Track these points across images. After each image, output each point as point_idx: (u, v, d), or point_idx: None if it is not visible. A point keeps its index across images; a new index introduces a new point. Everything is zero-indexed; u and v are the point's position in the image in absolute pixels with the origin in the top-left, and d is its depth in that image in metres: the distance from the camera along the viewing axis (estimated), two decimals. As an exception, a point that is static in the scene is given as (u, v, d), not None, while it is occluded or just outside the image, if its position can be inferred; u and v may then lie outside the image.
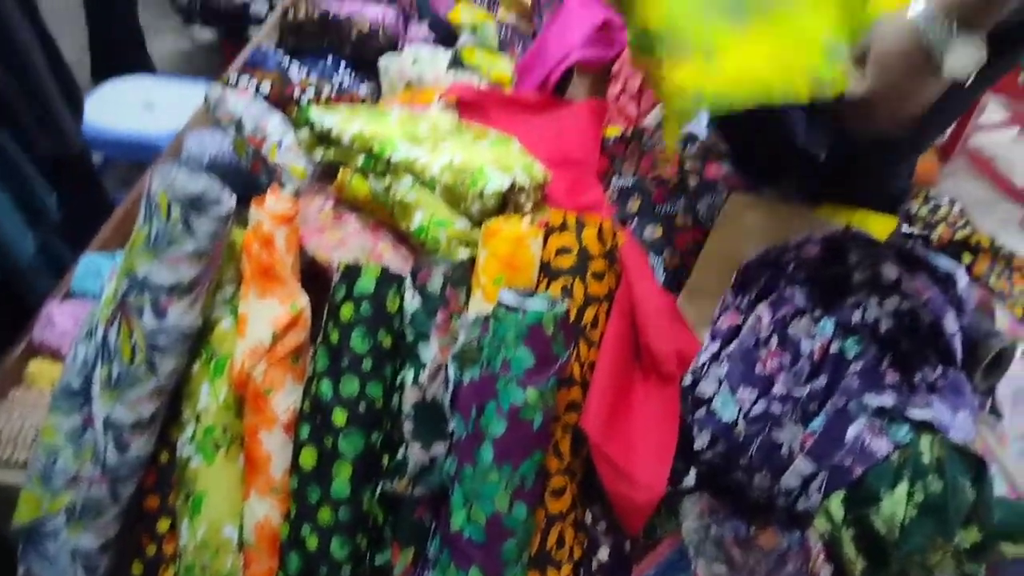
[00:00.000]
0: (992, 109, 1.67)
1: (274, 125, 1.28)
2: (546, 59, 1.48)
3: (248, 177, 1.31)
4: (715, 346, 0.93)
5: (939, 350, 0.87)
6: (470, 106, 1.42)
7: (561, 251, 0.90)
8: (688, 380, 0.90)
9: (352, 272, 0.84)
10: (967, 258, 1.35)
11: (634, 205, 1.18)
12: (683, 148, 1.31)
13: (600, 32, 1.48)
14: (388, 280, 0.84)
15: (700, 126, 1.53)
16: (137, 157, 1.51)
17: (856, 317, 0.90)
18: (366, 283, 0.83)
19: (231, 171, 1.35)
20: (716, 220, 1.13)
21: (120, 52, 2.06)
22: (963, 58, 0.71)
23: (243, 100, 1.31)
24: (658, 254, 1.09)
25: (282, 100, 1.50)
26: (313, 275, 1.02)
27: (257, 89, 1.49)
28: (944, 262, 0.92)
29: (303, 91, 1.52)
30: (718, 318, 0.98)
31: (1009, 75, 1.51)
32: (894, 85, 0.76)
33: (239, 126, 1.28)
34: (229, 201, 0.81)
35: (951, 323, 0.87)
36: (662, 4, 0.76)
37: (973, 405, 0.86)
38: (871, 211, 1.14)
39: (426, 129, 1.14)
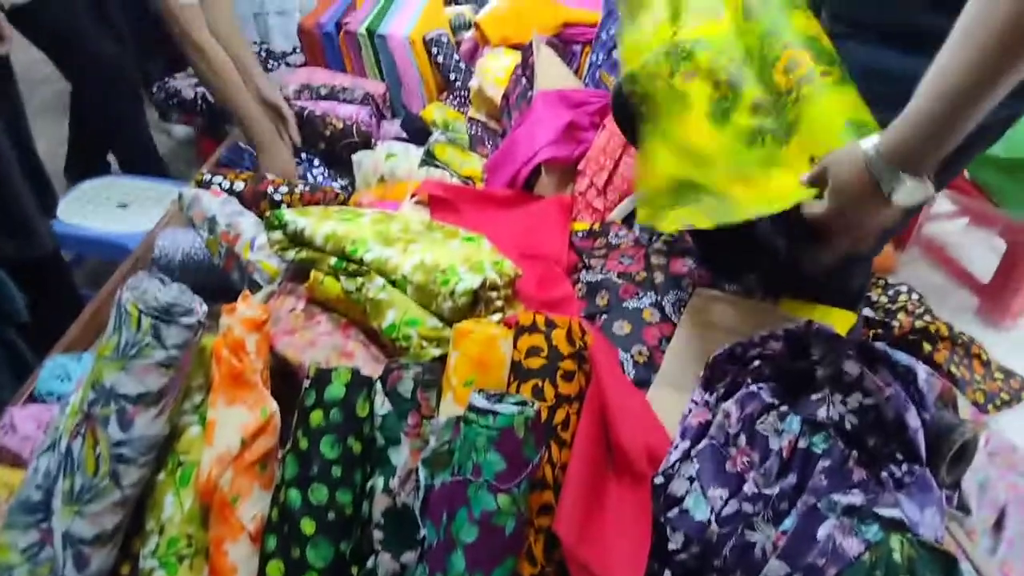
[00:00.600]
0: (941, 201, 1.75)
1: (247, 224, 1.30)
2: (515, 157, 1.54)
3: (221, 275, 1.32)
4: (685, 444, 0.93)
5: (904, 446, 0.89)
6: (442, 203, 1.46)
7: (531, 352, 0.91)
8: (660, 479, 0.91)
9: (323, 377, 0.84)
10: (927, 347, 1.38)
11: (602, 300, 1.21)
12: (648, 242, 1.35)
13: (566, 132, 1.54)
14: (359, 384, 0.84)
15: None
16: (109, 255, 1.52)
17: (822, 413, 0.91)
18: (336, 389, 0.83)
19: (203, 268, 1.36)
20: (683, 315, 1.16)
21: (98, 151, 2.09)
22: (911, 193, 0.76)
23: (217, 200, 1.34)
24: (627, 350, 1.11)
25: (256, 197, 1.53)
26: (283, 375, 1.02)
27: (231, 187, 1.52)
28: (903, 357, 0.95)
29: (276, 188, 1.55)
30: (687, 415, 0.99)
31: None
32: (849, 209, 0.80)
33: (212, 225, 1.29)
34: (199, 310, 0.82)
35: (913, 418, 0.89)
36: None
37: (940, 501, 0.87)
38: (831, 307, 1.18)
39: (398, 229, 1.17)
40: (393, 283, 1.06)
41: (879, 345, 0.97)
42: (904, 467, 0.88)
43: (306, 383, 0.85)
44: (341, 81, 1.92)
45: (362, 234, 1.12)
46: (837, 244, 0.88)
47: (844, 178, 0.79)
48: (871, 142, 0.78)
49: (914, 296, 1.54)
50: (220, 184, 1.52)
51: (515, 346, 0.92)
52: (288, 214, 1.14)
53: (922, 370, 0.95)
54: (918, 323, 1.42)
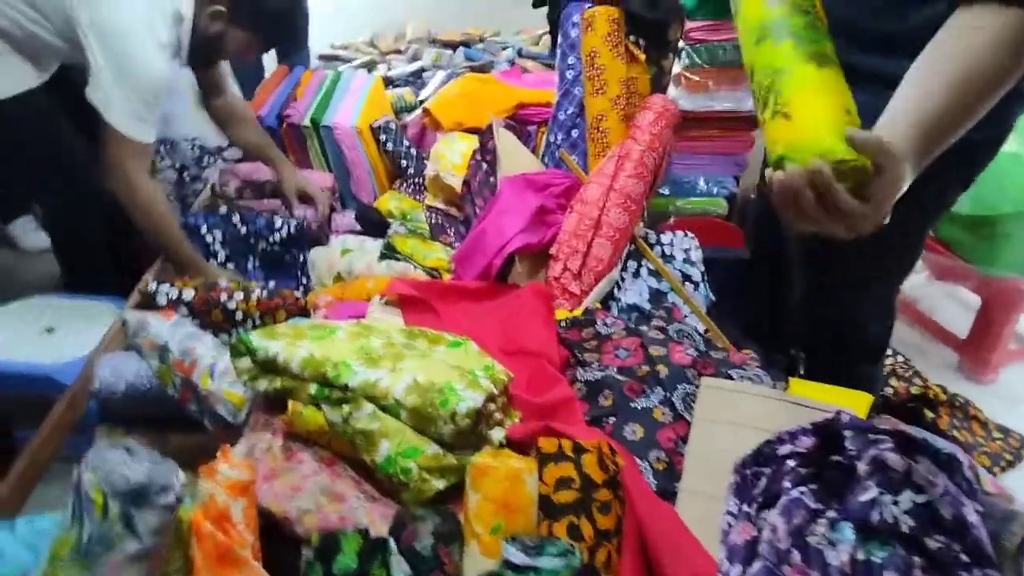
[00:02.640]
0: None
1: (204, 349, 1.16)
2: (486, 248, 1.46)
3: (176, 406, 1.17)
4: (737, 569, 0.84)
5: (968, 546, 0.82)
6: (414, 302, 1.36)
7: (561, 484, 0.81)
8: (716, 616, 0.81)
9: (329, 546, 0.72)
10: (929, 414, 1.35)
11: (607, 401, 1.12)
12: (642, 330, 1.28)
13: (535, 217, 1.47)
14: (372, 549, 0.72)
15: (640, 295, 1.53)
16: (40, 391, 1.34)
17: (875, 516, 0.84)
18: (347, 559, 0.70)
19: (151, 399, 1.21)
20: (695, 412, 1.08)
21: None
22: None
23: (167, 323, 1.20)
24: (643, 458, 1.02)
25: (207, 305, 1.39)
26: (265, 531, 0.88)
27: (180, 296, 1.38)
28: (943, 444, 0.90)
29: (231, 295, 1.42)
30: (728, 531, 0.90)
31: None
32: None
33: (164, 353, 1.15)
34: (177, 483, 0.68)
35: (972, 514, 0.83)
36: None
37: (1016, 605, 0.80)
38: (843, 387, 1.13)
39: (380, 345, 1.06)
40: (384, 408, 0.95)
41: (917, 432, 0.92)
42: (976, 572, 0.81)
43: (308, 554, 0.72)
44: (286, 175, 1.81)
45: (342, 355, 1.00)
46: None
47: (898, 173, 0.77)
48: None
49: (899, 358, 1.52)
50: (167, 293, 1.38)
51: (541, 478, 0.82)
52: (256, 338, 1.01)
53: (964, 456, 0.89)
54: (913, 388, 1.39)
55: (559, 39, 1.70)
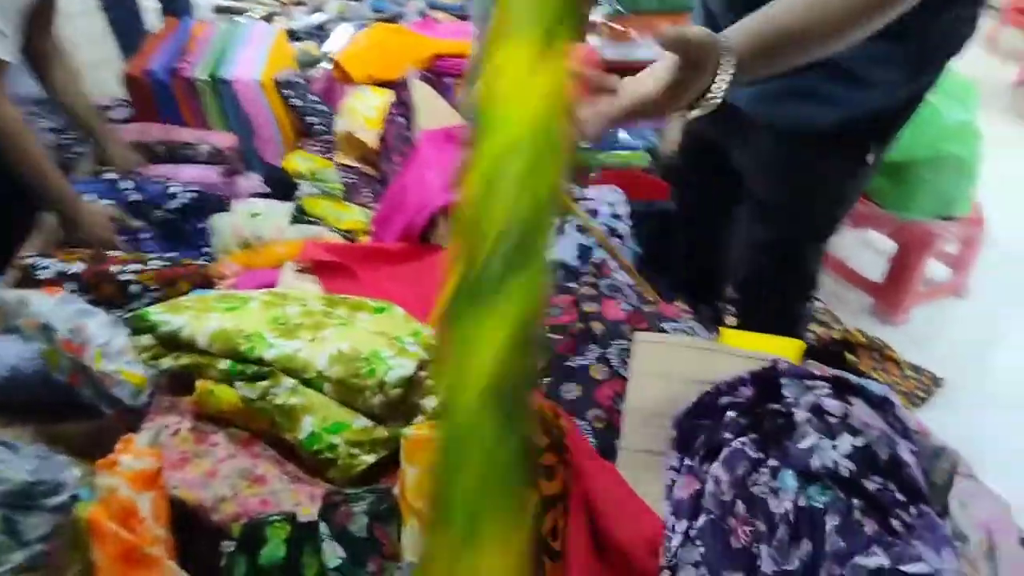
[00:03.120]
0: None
1: (96, 325, 1.04)
2: (406, 207, 1.38)
3: (65, 391, 1.06)
4: (682, 524, 0.82)
5: (903, 484, 0.83)
6: (331, 268, 1.27)
7: (502, 451, 0.76)
8: (666, 574, 0.79)
9: (253, 535, 0.65)
10: (850, 357, 1.38)
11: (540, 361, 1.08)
12: (570, 285, 1.25)
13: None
14: (301, 536, 0.66)
15: (569, 253, 1.50)
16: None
17: (815, 463, 0.84)
18: (274, 549, 0.64)
19: (37, 385, 1.09)
20: (631, 368, 1.05)
21: None
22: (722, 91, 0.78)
23: (51, 299, 1.07)
24: (582, 417, 0.98)
25: (98, 279, 1.27)
26: (176, 523, 0.80)
27: (64, 271, 1.25)
28: (876, 387, 0.90)
29: (124, 266, 1.29)
30: (671, 486, 0.88)
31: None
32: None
33: (49, 333, 1.03)
34: (71, 481, 0.59)
35: (907, 454, 0.84)
36: None
37: (951, 539, 0.82)
38: (773, 335, 1.13)
39: (297, 313, 0.98)
40: (306, 383, 0.88)
41: (851, 376, 0.92)
42: (911, 510, 0.82)
43: (229, 546, 0.65)
44: (181, 136, 1.67)
45: (256, 326, 0.92)
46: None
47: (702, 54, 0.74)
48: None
49: (818, 304, 1.55)
50: (50, 267, 1.24)
51: (481, 446, 0.77)
52: (156, 312, 0.92)
53: (894, 397, 0.90)
54: (834, 334, 1.42)
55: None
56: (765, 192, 1.30)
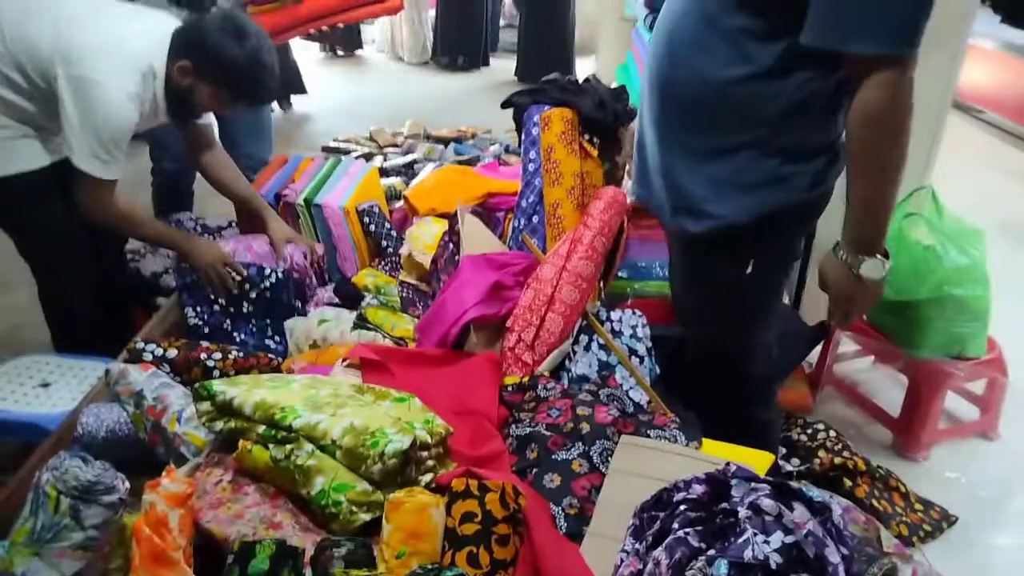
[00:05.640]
0: (847, 342, 1.88)
1: (175, 396, 1.29)
2: (445, 318, 1.60)
3: (146, 449, 1.30)
4: (619, 598, 0.93)
5: (826, 581, 0.91)
6: (373, 365, 1.49)
7: (465, 518, 0.92)
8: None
9: (246, 551, 0.83)
10: (848, 482, 1.43)
11: (532, 454, 1.23)
12: (575, 392, 1.40)
13: (492, 292, 1.62)
14: (284, 556, 0.83)
15: (589, 367, 1.65)
16: (29, 438, 1.47)
17: (748, 554, 0.93)
18: (260, 563, 0.81)
19: (128, 444, 1.33)
20: (611, 465, 1.19)
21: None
22: (873, 270, 1.14)
23: (144, 374, 1.34)
24: (557, 504, 1.12)
25: (188, 363, 1.54)
26: (209, 551, 0.99)
27: (164, 355, 1.52)
28: (817, 493, 1.00)
29: (210, 354, 1.56)
30: (619, 566, 0.99)
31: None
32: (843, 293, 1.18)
33: (139, 399, 1.29)
34: (122, 488, 0.81)
35: (833, 554, 0.92)
36: None
37: (868, 637, 0.89)
38: (750, 447, 1.24)
39: (327, 394, 1.19)
40: (323, 448, 1.07)
41: (794, 483, 1.02)
42: (829, 604, 0.89)
43: (229, 559, 0.83)
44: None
45: (291, 401, 1.13)
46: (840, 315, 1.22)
47: (832, 276, 1.19)
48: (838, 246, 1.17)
49: (832, 433, 1.61)
50: (153, 352, 1.52)
51: (449, 513, 0.93)
52: (217, 384, 1.15)
53: (836, 505, 0.99)
54: (837, 459, 1.49)
55: (522, 136, 1.90)
56: (678, 296, 1.53)
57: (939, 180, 1.77)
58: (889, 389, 1.80)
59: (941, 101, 1.70)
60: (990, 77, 3.57)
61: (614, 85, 2.02)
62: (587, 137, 1.84)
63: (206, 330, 1.80)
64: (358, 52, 6.44)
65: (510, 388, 1.47)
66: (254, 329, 1.85)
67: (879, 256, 1.15)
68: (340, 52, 6.40)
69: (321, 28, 2.75)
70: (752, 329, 1.38)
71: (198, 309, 1.81)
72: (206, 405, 1.14)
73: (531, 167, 1.84)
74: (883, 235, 1.14)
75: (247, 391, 1.14)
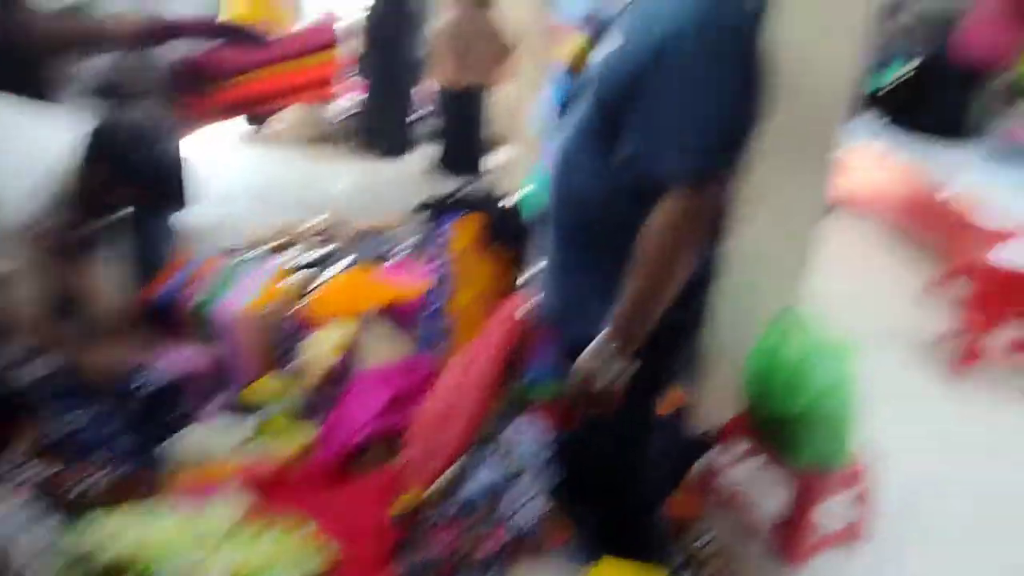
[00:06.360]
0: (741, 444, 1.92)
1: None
2: (345, 430, 1.59)
3: None
4: None
5: None
6: (263, 488, 1.45)
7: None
8: None
9: None
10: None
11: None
12: (467, 514, 1.40)
13: (389, 407, 1.62)
14: None
15: (482, 485, 1.63)
16: None
17: None
18: None
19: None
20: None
21: None
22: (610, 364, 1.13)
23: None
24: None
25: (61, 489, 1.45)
26: None
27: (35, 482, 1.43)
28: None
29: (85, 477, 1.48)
30: None
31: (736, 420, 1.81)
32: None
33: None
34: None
35: None
36: None
37: None
38: (641, 565, 1.26)
39: (205, 530, 1.15)
40: (196, 595, 1.03)
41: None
42: None
43: None
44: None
45: (164, 541, 1.09)
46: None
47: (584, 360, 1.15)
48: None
49: (719, 543, 1.65)
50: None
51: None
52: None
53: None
54: (709, 568, 1.52)
55: (434, 240, 1.93)
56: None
57: (822, 285, 1.87)
58: (779, 494, 1.85)
59: (812, 209, 1.78)
60: (874, 179, 3.84)
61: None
62: (498, 243, 1.88)
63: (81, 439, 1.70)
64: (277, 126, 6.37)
65: (401, 512, 1.45)
66: (137, 439, 1.76)
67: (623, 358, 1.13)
68: (258, 128, 6.33)
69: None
70: (623, 443, 1.39)
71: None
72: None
73: (441, 271, 1.88)
74: (630, 341, 1.12)
75: (110, 537, 1.09)
